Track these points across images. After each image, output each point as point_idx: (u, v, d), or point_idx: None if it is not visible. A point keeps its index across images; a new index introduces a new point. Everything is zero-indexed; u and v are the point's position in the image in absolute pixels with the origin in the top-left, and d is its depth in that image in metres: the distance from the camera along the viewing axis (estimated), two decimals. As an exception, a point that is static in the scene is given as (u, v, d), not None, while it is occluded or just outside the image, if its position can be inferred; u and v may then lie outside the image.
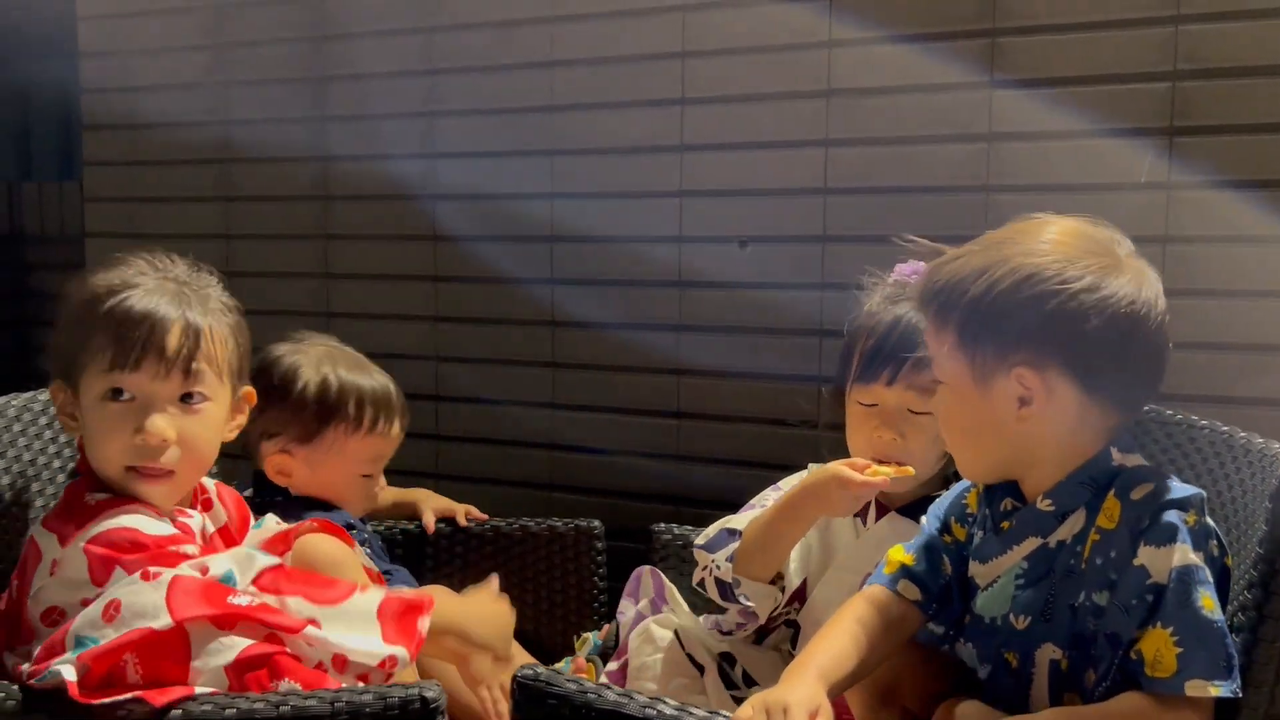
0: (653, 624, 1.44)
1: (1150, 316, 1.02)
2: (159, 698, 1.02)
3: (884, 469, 1.32)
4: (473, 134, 2.12)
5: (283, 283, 2.35)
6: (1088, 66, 1.66)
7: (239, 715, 1.00)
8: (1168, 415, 1.30)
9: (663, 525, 1.78)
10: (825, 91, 1.83)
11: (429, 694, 1.01)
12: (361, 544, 1.47)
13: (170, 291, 1.21)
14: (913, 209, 1.79)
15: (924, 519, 1.21)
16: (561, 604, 1.74)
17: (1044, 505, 1.04)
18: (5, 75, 3.39)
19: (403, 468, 2.23)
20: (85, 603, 1.09)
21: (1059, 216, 1.08)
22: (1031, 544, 1.04)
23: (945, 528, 1.15)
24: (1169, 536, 0.95)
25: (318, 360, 1.55)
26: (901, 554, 1.15)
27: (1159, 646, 0.93)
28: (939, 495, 1.41)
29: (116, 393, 1.17)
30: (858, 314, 1.43)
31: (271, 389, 1.49)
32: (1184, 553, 0.94)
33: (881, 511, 1.44)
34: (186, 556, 1.14)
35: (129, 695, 1.02)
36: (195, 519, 1.24)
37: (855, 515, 1.44)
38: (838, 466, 1.32)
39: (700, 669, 1.40)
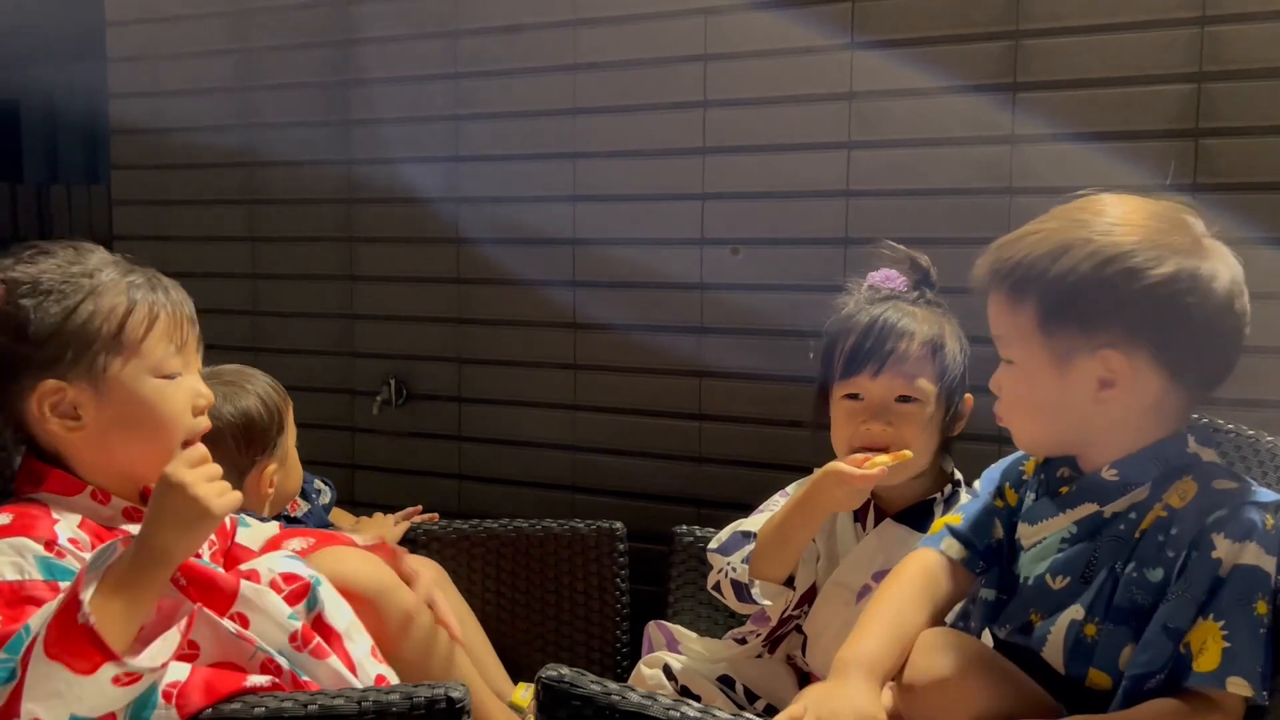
0: (642, 666, 1.45)
1: (1237, 298, 1.01)
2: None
3: (881, 457, 1.34)
4: (496, 137, 2.14)
5: (307, 285, 2.37)
6: (1111, 69, 1.65)
7: (268, 714, 1.02)
8: (1192, 418, 1.30)
9: (684, 528, 1.78)
10: (847, 94, 1.83)
11: (455, 694, 1.02)
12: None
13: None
14: (935, 211, 1.79)
15: (977, 484, 1.22)
16: (584, 604, 1.75)
17: (1109, 474, 1.02)
18: (35, 80, 3.44)
19: (426, 468, 2.25)
20: None
21: (1126, 195, 1.05)
22: (1087, 509, 1.02)
23: (999, 492, 1.15)
24: (1246, 532, 0.93)
25: (232, 395, 1.60)
26: (949, 516, 1.16)
27: (1206, 638, 0.91)
28: (935, 498, 1.41)
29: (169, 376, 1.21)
30: (836, 316, 1.48)
31: (241, 426, 1.58)
32: (1256, 553, 0.92)
33: (880, 516, 1.44)
34: (30, 607, 1.05)
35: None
36: None
37: (855, 521, 1.44)
38: (835, 463, 1.34)
39: (697, 698, 1.40)
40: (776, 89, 1.89)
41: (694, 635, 1.55)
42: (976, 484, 1.50)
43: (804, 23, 1.85)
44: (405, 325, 2.27)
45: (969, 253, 1.79)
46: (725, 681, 1.45)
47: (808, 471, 1.55)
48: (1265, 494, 0.97)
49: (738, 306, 1.95)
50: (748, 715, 0.97)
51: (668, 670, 1.44)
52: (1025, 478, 1.13)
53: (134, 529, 1.18)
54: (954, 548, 1.12)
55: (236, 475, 1.54)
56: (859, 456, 1.36)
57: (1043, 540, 1.04)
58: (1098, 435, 1.03)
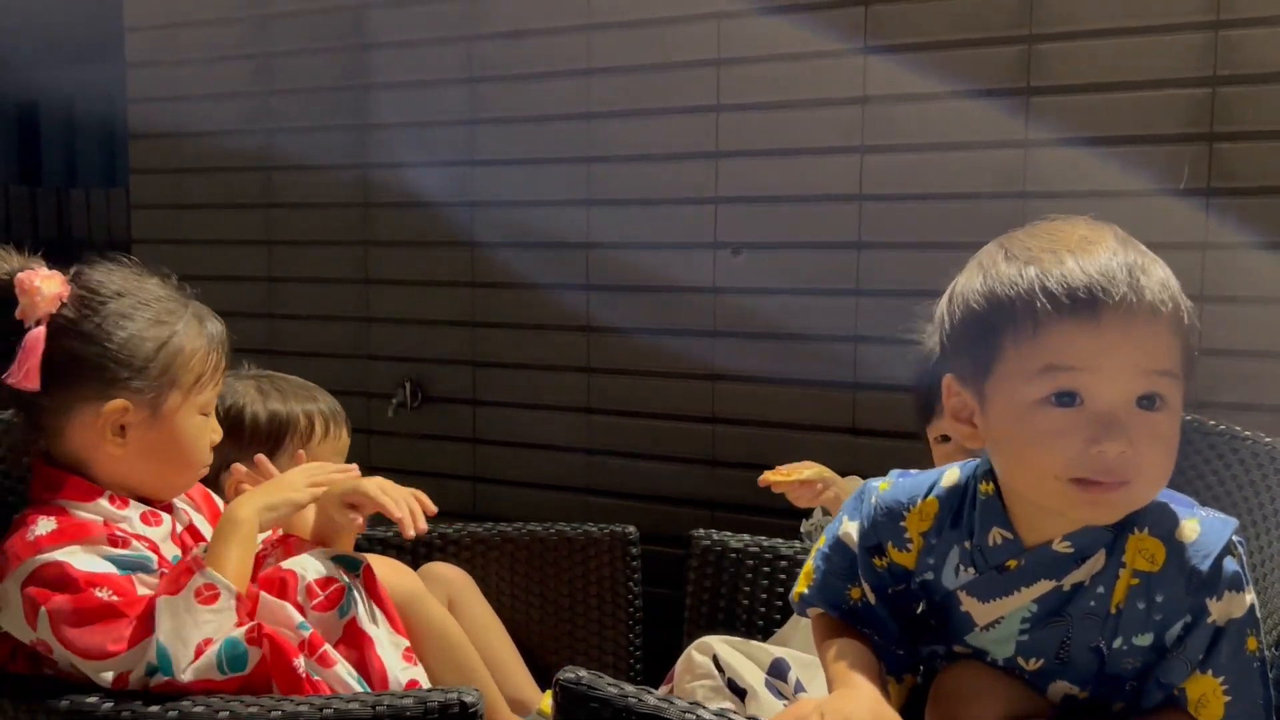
0: (694, 651, 1.45)
1: None
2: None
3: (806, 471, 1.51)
4: (510, 142, 2.15)
5: (323, 288, 2.38)
6: (1125, 73, 1.65)
7: (284, 717, 1.03)
8: (1210, 425, 1.30)
9: (701, 531, 1.78)
10: (860, 99, 1.83)
11: (468, 699, 1.03)
12: None
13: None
14: (948, 215, 1.79)
15: (825, 533, 1.09)
16: (597, 608, 1.76)
17: (1062, 548, 0.93)
18: (54, 84, 3.47)
19: (441, 470, 2.26)
20: (34, 645, 1.11)
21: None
22: (1043, 587, 0.94)
23: (878, 550, 1.03)
24: (1234, 585, 0.89)
25: (256, 389, 1.60)
26: (809, 573, 1.06)
27: (1205, 692, 0.89)
28: None
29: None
30: (922, 364, 1.44)
31: (223, 423, 1.56)
32: (1241, 597, 0.89)
33: None
34: (109, 602, 1.12)
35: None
36: (165, 524, 1.24)
37: None
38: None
39: (742, 694, 1.40)
40: (789, 93, 1.89)
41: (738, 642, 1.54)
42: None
43: (817, 27, 1.85)
44: (420, 328, 2.28)
45: (983, 257, 1.80)
46: (776, 670, 1.43)
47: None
48: (1220, 526, 0.92)
49: (751, 310, 1.95)
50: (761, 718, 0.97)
51: (716, 660, 1.44)
52: (908, 538, 1.01)
53: (149, 533, 1.21)
54: (818, 611, 1.06)
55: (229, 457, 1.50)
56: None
57: (1000, 620, 0.96)
58: None
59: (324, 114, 2.33)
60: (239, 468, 1.47)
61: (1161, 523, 0.91)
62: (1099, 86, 1.67)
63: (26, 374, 1.16)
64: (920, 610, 1.02)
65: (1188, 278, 1.62)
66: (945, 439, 1.44)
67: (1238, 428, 1.23)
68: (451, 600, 1.56)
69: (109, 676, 1.08)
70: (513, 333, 2.18)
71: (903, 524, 1.00)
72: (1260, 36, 1.57)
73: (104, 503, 1.19)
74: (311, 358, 2.39)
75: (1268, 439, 1.18)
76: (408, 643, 1.20)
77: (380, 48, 2.26)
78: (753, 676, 1.41)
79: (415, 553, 1.72)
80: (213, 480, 1.50)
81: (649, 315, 2.04)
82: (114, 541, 1.15)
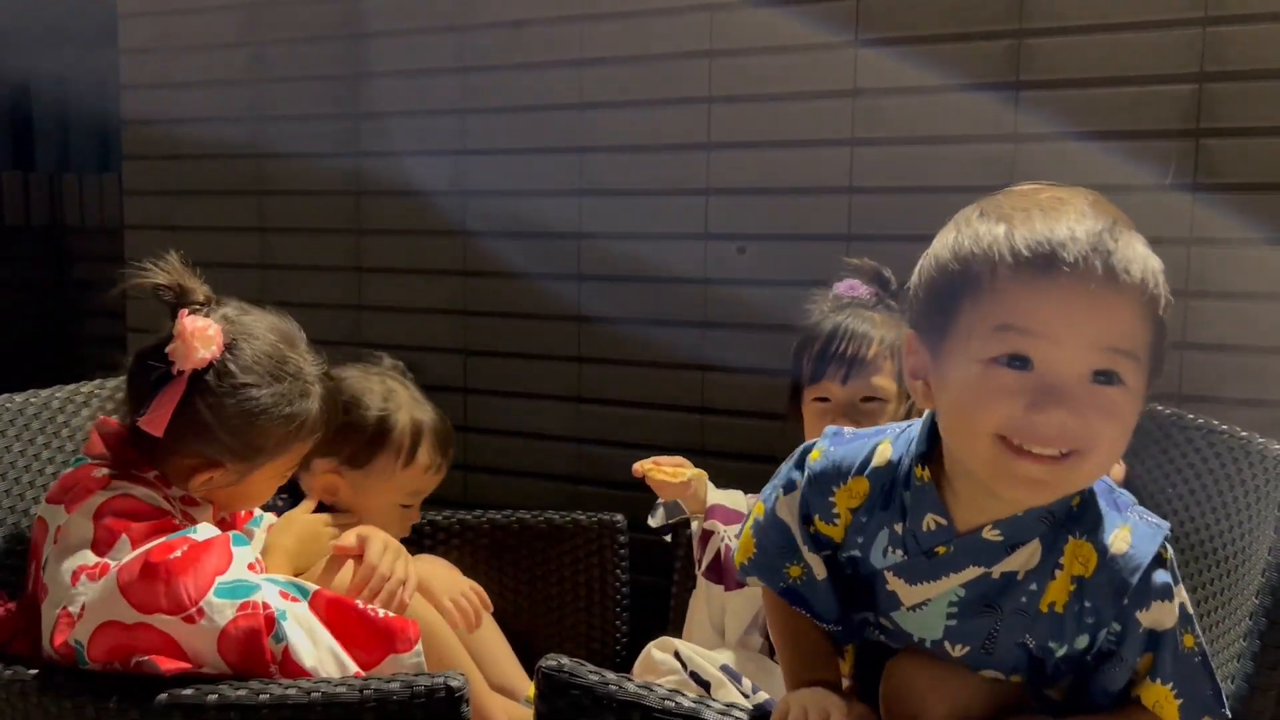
0: (654, 649, 1.47)
1: None
2: (167, 664, 1.07)
3: (687, 471, 1.63)
4: (503, 132, 2.15)
5: (316, 276, 2.39)
6: (1114, 68, 1.66)
7: (272, 700, 1.04)
8: (1188, 419, 1.31)
9: (670, 522, 1.80)
10: (852, 91, 1.84)
11: (454, 683, 1.04)
12: None
13: None
14: (937, 208, 1.77)
15: (761, 499, 1.07)
16: (585, 596, 1.77)
17: (991, 535, 0.91)
18: (47, 69, 3.46)
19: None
20: (81, 570, 1.11)
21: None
22: (971, 573, 0.92)
23: (808, 520, 1.00)
24: (1163, 595, 0.89)
25: (383, 390, 1.61)
26: (750, 547, 1.05)
27: (1159, 699, 0.90)
28: None
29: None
30: (804, 324, 1.60)
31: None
32: (1173, 607, 0.89)
33: None
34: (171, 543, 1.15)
35: (139, 658, 1.07)
36: (205, 509, 1.29)
37: None
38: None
39: (707, 685, 1.42)
40: (781, 85, 1.90)
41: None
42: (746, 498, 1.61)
43: (809, 19, 1.86)
44: (412, 317, 2.29)
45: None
46: (730, 675, 1.47)
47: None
48: (1150, 531, 0.91)
49: (741, 301, 1.96)
50: (740, 706, 0.99)
51: (678, 655, 1.46)
52: (835, 512, 0.98)
53: (191, 511, 1.26)
54: (759, 584, 1.05)
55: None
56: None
57: (927, 603, 0.94)
58: None
59: (317, 102, 2.34)
60: (322, 464, 1.53)
61: (1096, 530, 0.90)
62: (1088, 81, 1.68)
63: (156, 421, 1.19)
64: (847, 583, 1.01)
65: (1173, 272, 1.64)
66: (823, 399, 1.52)
67: (1215, 421, 1.25)
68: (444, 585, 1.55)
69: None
70: (504, 322, 2.19)
71: (831, 499, 0.98)
72: (1248, 33, 1.58)
73: (150, 478, 1.24)
74: (304, 345, 2.40)
75: (1244, 433, 1.19)
76: (355, 669, 1.16)
77: (373, 37, 2.26)
78: (714, 670, 1.43)
79: (405, 543, 1.73)
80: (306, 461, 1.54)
81: (640, 305, 2.05)
82: (168, 502, 1.22)
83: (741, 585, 1.60)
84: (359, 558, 1.33)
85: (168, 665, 1.07)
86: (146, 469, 1.24)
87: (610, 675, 1.02)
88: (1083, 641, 0.91)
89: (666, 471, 1.66)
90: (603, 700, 1.00)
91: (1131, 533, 0.89)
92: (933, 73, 1.77)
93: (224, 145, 2.45)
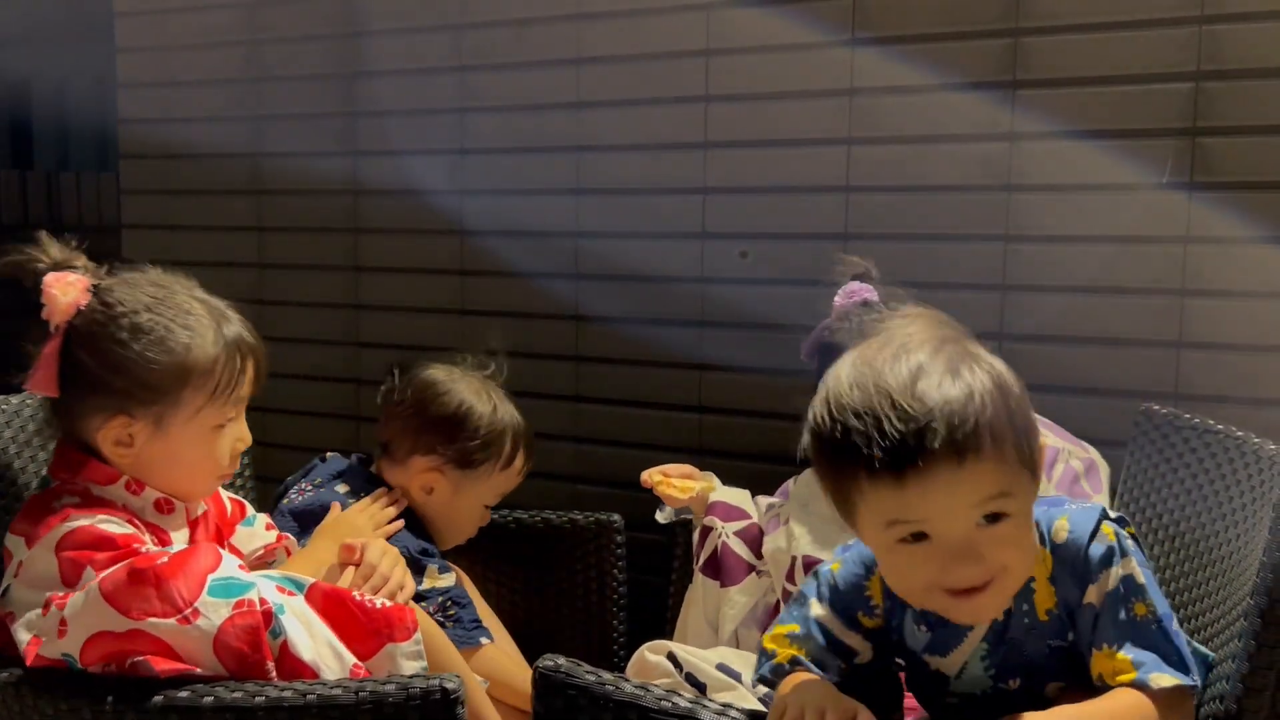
0: (646, 652, 1.47)
1: None
2: (162, 664, 1.06)
3: (690, 483, 1.63)
4: (500, 131, 2.15)
5: (313, 275, 2.39)
6: (1111, 67, 1.66)
7: (268, 702, 1.04)
8: (1184, 419, 1.31)
9: (679, 518, 1.80)
10: (848, 90, 1.84)
11: (449, 685, 1.04)
12: (439, 567, 1.57)
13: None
14: (934, 207, 1.80)
15: (812, 603, 1.12)
16: (582, 596, 1.77)
17: None
18: (45, 68, 3.46)
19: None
20: (52, 600, 1.10)
21: (908, 321, 1.00)
22: (982, 627, 1.02)
23: (852, 622, 1.09)
24: (1104, 564, 0.96)
25: (487, 394, 1.66)
26: (785, 645, 1.09)
27: (1113, 662, 0.95)
28: None
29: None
30: (828, 330, 1.56)
31: (447, 416, 1.61)
32: (1114, 573, 0.96)
33: None
34: (150, 555, 1.14)
35: (134, 659, 1.06)
36: (178, 510, 1.27)
37: None
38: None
39: (703, 687, 1.42)
40: (778, 84, 1.90)
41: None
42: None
43: (805, 19, 1.86)
44: (410, 316, 2.29)
45: (967, 249, 1.81)
46: (728, 673, 1.46)
47: (806, 465, 1.58)
48: (1085, 514, 0.99)
49: (738, 300, 1.96)
50: (737, 707, 0.99)
51: (672, 657, 1.46)
52: (874, 604, 1.08)
53: (162, 521, 1.24)
54: (808, 673, 1.08)
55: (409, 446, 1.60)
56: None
57: (966, 665, 1.04)
58: None
59: (314, 101, 2.34)
60: (423, 461, 1.58)
61: (1043, 535, 0.99)
62: (1084, 80, 1.68)
63: (42, 380, 1.19)
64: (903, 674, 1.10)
65: (1170, 271, 1.65)
66: None
67: (1211, 421, 1.25)
68: None
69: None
70: (502, 321, 2.19)
71: (867, 594, 1.08)
72: (1244, 32, 1.58)
73: (120, 488, 1.22)
74: (301, 344, 2.40)
75: (1240, 432, 1.19)
76: (354, 661, 1.15)
77: (370, 36, 2.26)
78: (709, 668, 1.43)
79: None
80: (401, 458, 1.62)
81: (637, 305, 2.05)
82: (134, 526, 1.19)
83: (738, 582, 1.61)
84: (357, 563, 1.33)
85: (163, 666, 1.06)
86: (110, 479, 1.21)
87: (607, 675, 1.02)
88: (1070, 636, 0.99)
89: (676, 485, 1.67)
90: (599, 700, 1.00)
91: (1068, 519, 0.99)
92: (929, 72, 1.77)
93: (221, 144, 2.45)
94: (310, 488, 1.60)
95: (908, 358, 0.92)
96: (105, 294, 1.20)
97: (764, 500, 1.68)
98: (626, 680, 1.03)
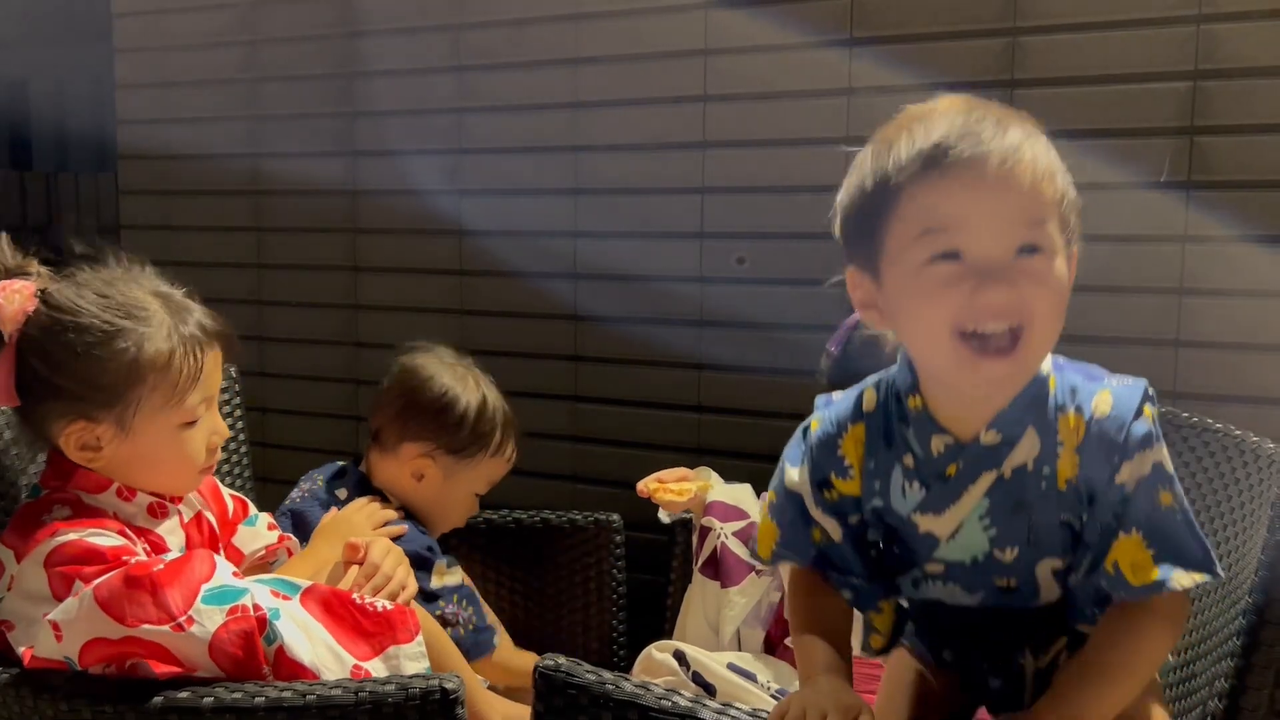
0: (653, 650, 1.47)
1: None
2: (160, 668, 1.07)
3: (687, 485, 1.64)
4: (498, 131, 2.15)
5: (311, 275, 2.39)
6: (1108, 66, 1.66)
7: (268, 703, 1.04)
8: (1182, 417, 1.31)
9: (683, 516, 1.80)
10: (846, 90, 1.84)
11: (449, 685, 1.05)
12: (447, 563, 1.58)
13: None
14: (932, 207, 1.80)
15: (771, 488, 1.08)
16: (581, 596, 1.78)
17: (989, 439, 0.95)
18: (44, 68, 3.46)
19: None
20: (46, 615, 1.09)
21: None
22: (987, 479, 0.96)
23: (826, 484, 1.03)
24: (1144, 444, 0.92)
25: (473, 381, 1.66)
26: (772, 531, 1.06)
27: (1134, 555, 0.91)
28: None
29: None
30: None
31: (434, 402, 1.61)
32: (1149, 457, 0.92)
33: None
34: (145, 562, 1.14)
35: (132, 660, 1.07)
36: (171, 515, 1.26)
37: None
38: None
39: (710, 688, 1.42)
40: (776, 85, 1.90)
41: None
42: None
43: (803, 19, 1.86)
44: (408, 316, 2.29)
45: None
46: (739, 673, 1.46)
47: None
48: (1130, 390, 0.94)
49: (737, 300, 1.97)
50: (736, 706, 0.99)
51: (681, 656, 1.46)
52: (848, 464, 1.02)
53: (154, 526, 1.23)
54: (791, 564, 1.06)
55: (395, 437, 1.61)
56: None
57: (961, 526, 0.99)
58: None
59: (312, 101, 2.34)
60: (414, 448, 1.58)
61: (1079, 400, 0.95)
62: (1082, 80, 1.68)
63: (1, 392, 1.17)
64: (881, 544, 1.04)
65: (1167, 270, 1.65)
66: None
67: (1209, 420, 1.25)
68: None
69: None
70: (500, 321, 2.19)
71: (839, 453, 1.02)
72: (1241, 31, 1.58)
73: (112, 494, 1.21)
74: (300, 344, 2.41)
75: (1238, 431, 1.19)
76: (353, 662, 1.15)
77: (368, 36, 2.26)
78: (719, 668, 1.42)
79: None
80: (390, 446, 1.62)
81: (635, 305, 2.06)
82: (125, 536, 1.17)
83: (738, 582, 1.61)
84: (360, 562, 1.33)
85: (161, 669, 1.07)
86: (101, 486, 1.21)
87: (607, 674, 1.02)
88: (1108, 515, 0.94)
89: (672, 489, 1.67)
90: (600, 699, 1.00)
91: (1111, 394, 0.94)
92: (927, 72, 1.77)
93: (220, 145, 2.45)
94: (307, 490, 1.61)
95: (955, 101, 0.93)
96: (51, 298, 1.19)
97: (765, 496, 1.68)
98: (627, 679, 1.03)
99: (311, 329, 2.40)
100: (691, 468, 1.79)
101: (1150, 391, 0.94)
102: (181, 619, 1.06)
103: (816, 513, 1.04)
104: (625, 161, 2.04)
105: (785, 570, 1.08)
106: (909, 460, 0.99)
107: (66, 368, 1.17)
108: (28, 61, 3.52)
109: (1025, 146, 0.89)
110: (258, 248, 2.45)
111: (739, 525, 1.64)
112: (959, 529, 0.99)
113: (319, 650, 1.12)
